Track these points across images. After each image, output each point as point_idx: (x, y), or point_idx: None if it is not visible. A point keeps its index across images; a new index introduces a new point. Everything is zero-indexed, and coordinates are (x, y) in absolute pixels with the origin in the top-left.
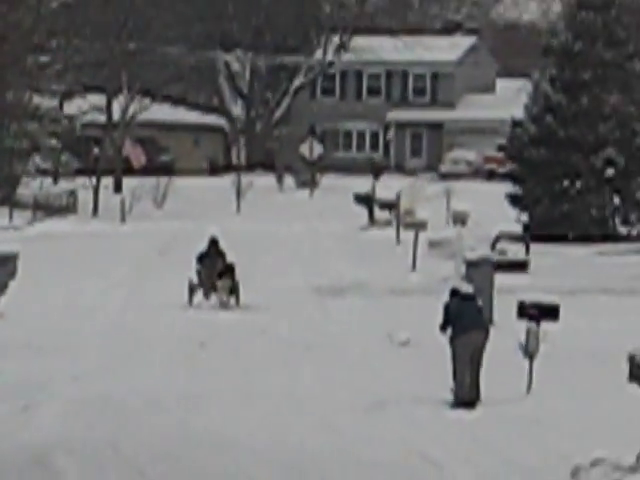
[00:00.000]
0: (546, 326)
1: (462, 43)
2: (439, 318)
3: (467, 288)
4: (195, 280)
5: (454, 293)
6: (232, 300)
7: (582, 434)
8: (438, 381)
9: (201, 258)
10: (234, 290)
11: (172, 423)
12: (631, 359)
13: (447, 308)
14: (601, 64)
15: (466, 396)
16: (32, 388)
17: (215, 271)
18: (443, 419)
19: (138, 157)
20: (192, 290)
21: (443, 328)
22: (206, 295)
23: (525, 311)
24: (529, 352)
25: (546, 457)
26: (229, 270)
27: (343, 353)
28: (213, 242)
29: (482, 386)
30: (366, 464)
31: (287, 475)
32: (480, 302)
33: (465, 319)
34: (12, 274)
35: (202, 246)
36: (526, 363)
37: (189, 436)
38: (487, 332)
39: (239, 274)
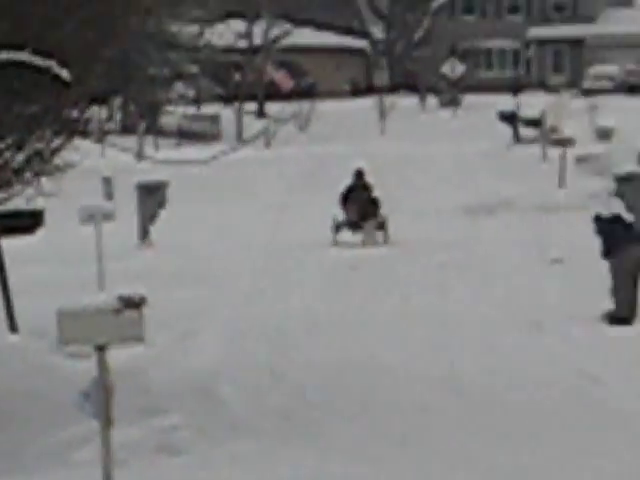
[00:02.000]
0: None
1: None
2: (596, 241)
3: (609, 212)
4: (340, 216)
5: (598, 219)
6: (381, 237)
7: None
8: (593, 298)
9: (347, 193)
10: (382, 227)
11: (332, 348)
12: None
13: (602, 233)
14: None
15: (625, 312)
16: (188, 316)
17: (361, 205)
18: (602, 336)
19: (285, 81)
20: (337, 228)
21: (607, 254)
22: (353, 230)
23: None
24: None
25: None
26: (374, 206)
27: (497, 272)
28: (359, 174)
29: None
30: (528, 384)
31: (449, 395)
32: (628, 219)
33: (620, 236)
34: (162, 203)
35: (348, 173)
36: None
37: (350, 361)
38: None
39: (387, 196)
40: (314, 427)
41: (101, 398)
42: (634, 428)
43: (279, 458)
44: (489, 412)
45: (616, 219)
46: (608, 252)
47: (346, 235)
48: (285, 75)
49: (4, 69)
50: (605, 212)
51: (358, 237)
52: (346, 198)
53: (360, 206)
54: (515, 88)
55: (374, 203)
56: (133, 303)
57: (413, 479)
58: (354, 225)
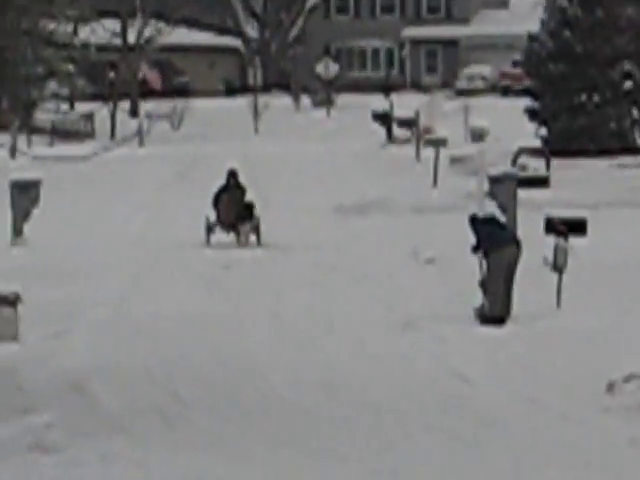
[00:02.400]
0: (574, 241)
1: None
2: (470, 240)
3: (483, 212)
4: (213, 217)
5: (474, 220)
6: (253, 238)
7: (615, 349)
8: (466, 298)
9: (219, 193)
10: (256, 228)
11: (203, 346)
12: None
13: (476, 234)
14: None
15: (498, 312)
16: (62, 314)
17: (234, 206)
18: (474, 336)
19: (155, 79)
20: (210, 228)
21: (475, 249)
22: (227, 231)
23: (553, 226)
24: (558, 267)
25: (580, 373)
26: (248, 209)
27: (369, 272)
28: (232, 175)
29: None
30: (399, 383)
31: (320, 395)
32: (502, 219)
33: (496, 236)
34: (35, 201)
35: (221, 172)
36: (554, 278)
37: (221, 359)
38: (519, 248)
39: (260, 197)
40: (187, 425)
41: None
42: (501, 428)
43: (152, 457)
44: (358, 412)
45: (490, 220)
46: (481, 250)
47: (219, 236)
48: (155, 74)
49: None
50: (480, 213)
51: (231, 238)
52: (218, 199)
53: (233, 207)
54: (388, 88)
55: (248, 204)
56: (8, 300)
57: (284, 478)
58: (227, 226)
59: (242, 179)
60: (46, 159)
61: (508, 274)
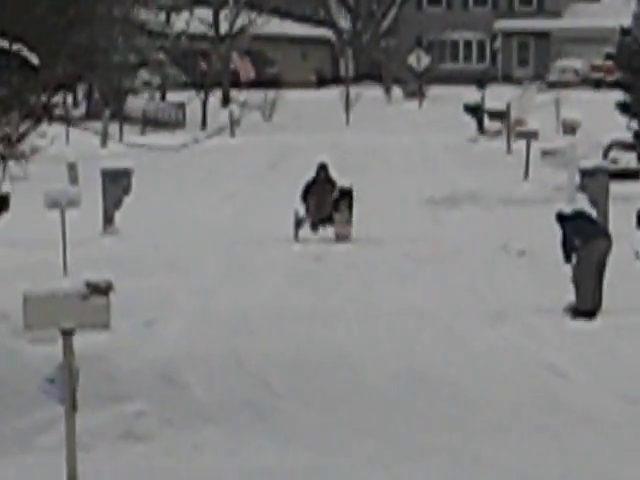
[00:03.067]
0: None
1: None
2: (558, 240)
3: (573, 207)
4: (302, 212)
5: (560, 217)
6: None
7: None
8: (556, 291)
9: (309, 187)
10: (350, 220)
11: (296, 336)
12: None
13: (563, 228)
14: None
15: (589, 305)
16: (153, 303)
17: (325, 201)
18: (565, 329)
19: (247, 70)
20: (299, 223)
21: (564, 246)
22: (314, 228)
23: None
24: None
25: None
26: (346, 196)
27: (461, 264)
28: (322, 168)
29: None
30: (490, 375)
31: (412, 387)
32: (591, 214)
33: (586, 230)
34: (126, 189)
35: (311, 164)
36: None
37: (314, 349)
38: (609, 241)
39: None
40: (277, 416)
41: (67, 383)
42: (598, 424)
43: (242, 446)
44: (452, 405)
45: (579, 214)
46: (570, 252)
47: (307, 230)
48: (246, 64)
49: None
50: (567, 209)
51: (320, 233)
52: (307, 192)
53: (323, 201)
54: (482, 80)
55: (346, 195)
56: (100, 289)
57: (374, 469)
58: (316, 221)
59: (333, 171)
60: (142, 147)
61: (599, 268)
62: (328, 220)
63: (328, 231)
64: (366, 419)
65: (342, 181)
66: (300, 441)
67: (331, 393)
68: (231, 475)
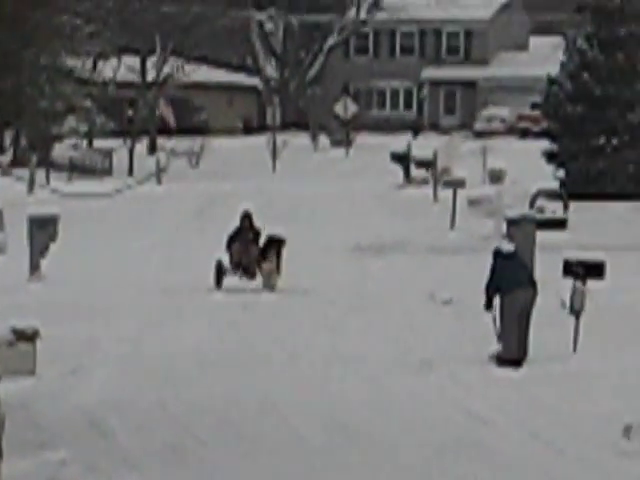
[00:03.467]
0: (591, 284)
1: (495, 0)
2: (485, 279)
3: (509, 247)
4: (225, 261)
5: (497, 254)
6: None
7: (631, 392)
8: (482, 340)
9: (233, 236)
10: (279, 269)
11: (219, 383)
12: None
13: (493, 269)
14: (636, 20)
15: (514, 354)
16: (79, 350)
17: (249, 249)
18: (490, 377)
19: (171, 117)
20: (220, 272)
21: (488, 289)
22: (239, 275)
23: (570, 269)
24: (575, 310)
25: (596, 415)
26: (275, 244)
27: (387, 312)
28: (246, 217)
29: (529, 344)
30: (415, 423)
31: (335, 433)
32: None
33: (510, 278)
34: (53, 236)
35: (237, 212)
36: (571, 320)
37: (237, 395)
38: (534, 290)
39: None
40: (201, 463)
41: None
42: (518, 472)
43: None
44: (372, 453)
45: (512, 255)
46: (492, 296)
47: (232, 279)
48: (170, 111)
49: None
50: (505, 247)
51: (244, 282)
52: (231, 241)
53: (247, 250)
54: (416, 129)
55: (276, 243)
56: (26, 336)
57: None
58: (240, 269)
59: (260, 218)
60: (69, 196)
61: (522, 316)
62: (251, 269)
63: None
64: (288, 466)
65: (273, 229)
66: None
67: (255, 440)
68: None
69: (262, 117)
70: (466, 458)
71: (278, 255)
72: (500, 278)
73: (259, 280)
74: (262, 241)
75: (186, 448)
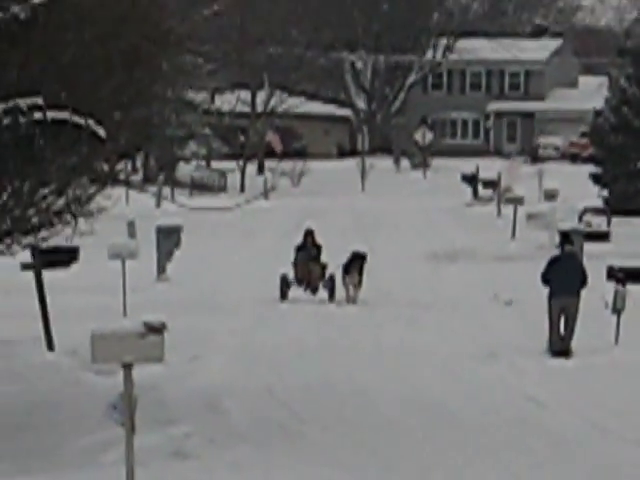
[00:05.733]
0: (630, 287)
1: (549, 45)
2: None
3: (570, 248)
4: (290, 274)
5: (553, 260)
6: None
7: None
8: (538, 335)
9: (297, 252)
10: (360, 283)
11: (318, 371)
12: None
13: (551, 262)
14: None
15: (557, 347)
16: (198, 341)
17: (311, 265)
18: (545, 367)
19: (279, 143)
20: (286, 284)
21: (544, 279)
22: (305, 288)
23: (613, 274)
24: (617, 309)
25: (634, 401)
26: (359, 260)
27: (457, 311)
28: (309, 234)
29: (576, 338)
30: (484, 405)
31: (415, 413)
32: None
33: (559, 282)
34: (177, 244)
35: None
36: (613, 319)
37: (331, 382)
38: (578, 296)
39: (366, 243)
40: (302, 437)
41: (127, 409)
42: (572, 445)
43: (272, 463)
44: (449, 430)
45: (568, 255)
46: (545, 278)
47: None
48: (277, 138)
49: (50, 126)
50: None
51: (308, 294)
52: (296, 256)
53: (308, 265)
54: (478, 154)
55: (359, 258)
56: (155, 328)
57: None
58: (303, 283)
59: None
60: (195, 209)
61: (565, 317)
62: (313, 283)
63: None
64: (377, 441)
65: (356, 245)
66: (321, 460)
67: (347, 419)
68: None
69: (353, 143)
70: (527, 434)
71: (360, 270)
72: (553, 276)
73: (322, 294)
74: (347, 256)
75: (290, 426)
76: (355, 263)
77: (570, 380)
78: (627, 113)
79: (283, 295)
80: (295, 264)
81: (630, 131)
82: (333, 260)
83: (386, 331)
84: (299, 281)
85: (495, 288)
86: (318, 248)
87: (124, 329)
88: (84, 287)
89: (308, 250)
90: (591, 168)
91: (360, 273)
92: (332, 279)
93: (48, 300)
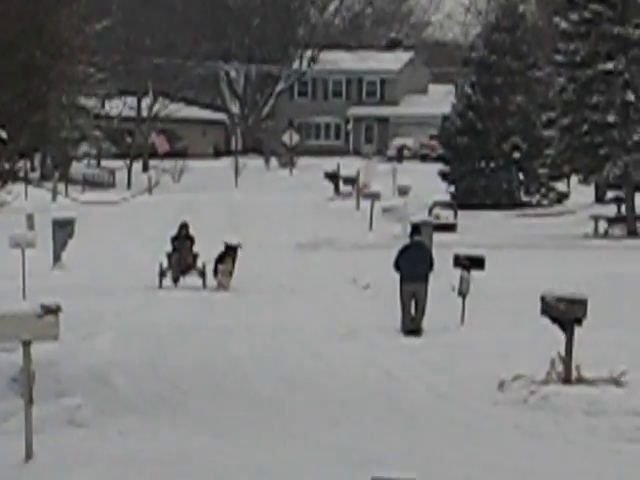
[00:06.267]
0: (475, 273)
1: (403, 56)
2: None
3: (418, 238)
4: (165, 263)
5: (403, 249)
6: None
7: (505, 356)
8: (393, 315)
9: (172, 243)
10: (202, 274)
11: (195, 348)
12: (542, 298)
13: (401, 251)
14: (509, 72)
15: (408, 327)
16: (89, 321)
17: (184, 256)
18: (398, 344)
19: (163, 144)
20: (162, 273)
21: (396, 266)
22: (175, 281)
23: (459, 261)
24: (462, 293)
25: (478, 374)
26: (232, 251)
27: (320, 294)
28: (183, 227)
29: (426, 319)
30: (343, 378)
31: (284, 386)
32: (426, 248)
33: (409, 269)
34: (71, 234)
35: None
36: (459, 301)
37: (208, 358)
38: (426, 281)
39: (238, 233)
40: (183, 408)
41: (25, 382)
42: (419, 412)
43: (157, 431)
44: (314, 401)
45: (416, 243)
46: (397, 265)
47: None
48: (162, 139)
49: None
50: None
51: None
52: (171, 247)
53: (182, 256)
54: (339, 154)
55: (232, 251)
56: (51, 310)
57: (256, 451)
58: (176, 272)
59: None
60: (85, 203)
61: (415, 300)
62: (187, 271)
63: (187, 281)
64: (250, 412)
65: (230, 235)
66: (200, 428)
67: (223, 392)
68: (149, 454)
69: (228, 144)
70: (379, 405)
71: (233, 260)
72: (402, 262)
73: (195, 279)
74: (221, 248)
75: (172, 397)
76: (229, 253)
77: (420, 356)
78: (471, 117)
79: (160, 283)
80: (169, 254)
81: (474, 133)
82: (207, 250)
83: (256, 312)
84: (173, 270)
85: (354, 273)
86: (191, 239)
87: (23, 310)
88: None
89: (182, 241)
90: (440, 167)
91: (232, 263)
92: (204, 267)
93: None
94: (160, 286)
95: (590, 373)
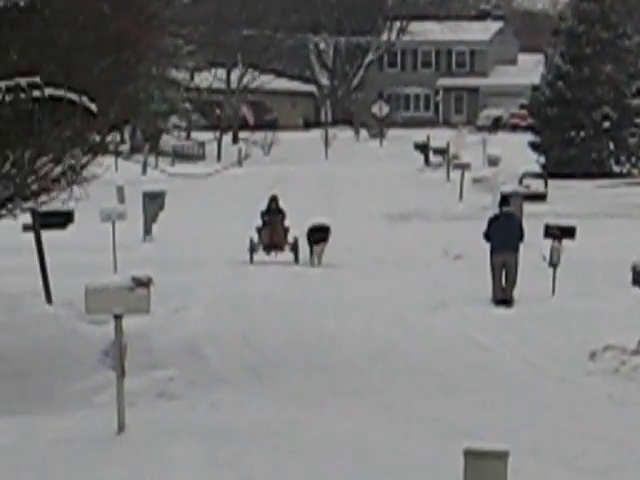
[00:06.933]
0: (566, 243)
1: (492, 27)
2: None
3: (508, 209)
4: (256, 238)
5: (493, 219)
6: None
7: (596, 326)
8: (484, 286)
9: (262, 217)
10: (294, 248)
11: (286, 320)
12: (633, 268)
13: (490, 221)
14: (599, 42)
15: (499, 297)
16: (180, 294)
17: (276, 229)
18: (489, 315)
19: (251, 116)
20: (253, 248)
21: (486, 237)
22: (268, 253)
23: (550, 232)
24: (553, 263)
25: (569, 344)
26: (323, 232)
27: (411, 265)
28: (273, 199)
29: (517, 289)
30: (433, 349)
31: (374, 358)
32: (516, 218)
33: (499, 239)
34: (161, 207)
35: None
36: (550, 271)
37: (299, 330)
38: (517, 251)
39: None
40: (273, 380)
41: (117, 355)
42: (511, 383)
43: (247, 403)
44: (406, 373)
45: (506, 214)
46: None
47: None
48: (250, 111)
49: (47, 102)
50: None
51: (272, 257)
52: (262, 221)
53: (274, 229)
54: (429, 125)
55: (325, 231)
56: (142, 282)
57: (347, 422)
58: (268, 247)
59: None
60: (175, 175)
61: (505, 271)
62: (280, 244)
63: (279, 256)
64: (341, 384)
65: (321, 219)
66: (290, 399)
67: (313, 363)
68: (241, 425)
69: (317, 116)
70: (470, 376)
71: (325, 240)
72: (493, 234)
73: (287, 255)
74: (312, 224)
75: (262, 369)
76: (321, 234)
77: (511, 326)
78: (561, 87)
79: (251, 258)
80: (259, 229)
81: (564, 103)
82: (298, 223)
83: (348, 286)
84: (264, 245)
85: (445, 244)
86: (282, 213)
87: (114, 283)
88: (79, 246)
89: (272, 215)
90: (530, 137)
91: (325, 241)
92: (296, 242)
93: (47, 258)
94: (251, 261)
95: None
